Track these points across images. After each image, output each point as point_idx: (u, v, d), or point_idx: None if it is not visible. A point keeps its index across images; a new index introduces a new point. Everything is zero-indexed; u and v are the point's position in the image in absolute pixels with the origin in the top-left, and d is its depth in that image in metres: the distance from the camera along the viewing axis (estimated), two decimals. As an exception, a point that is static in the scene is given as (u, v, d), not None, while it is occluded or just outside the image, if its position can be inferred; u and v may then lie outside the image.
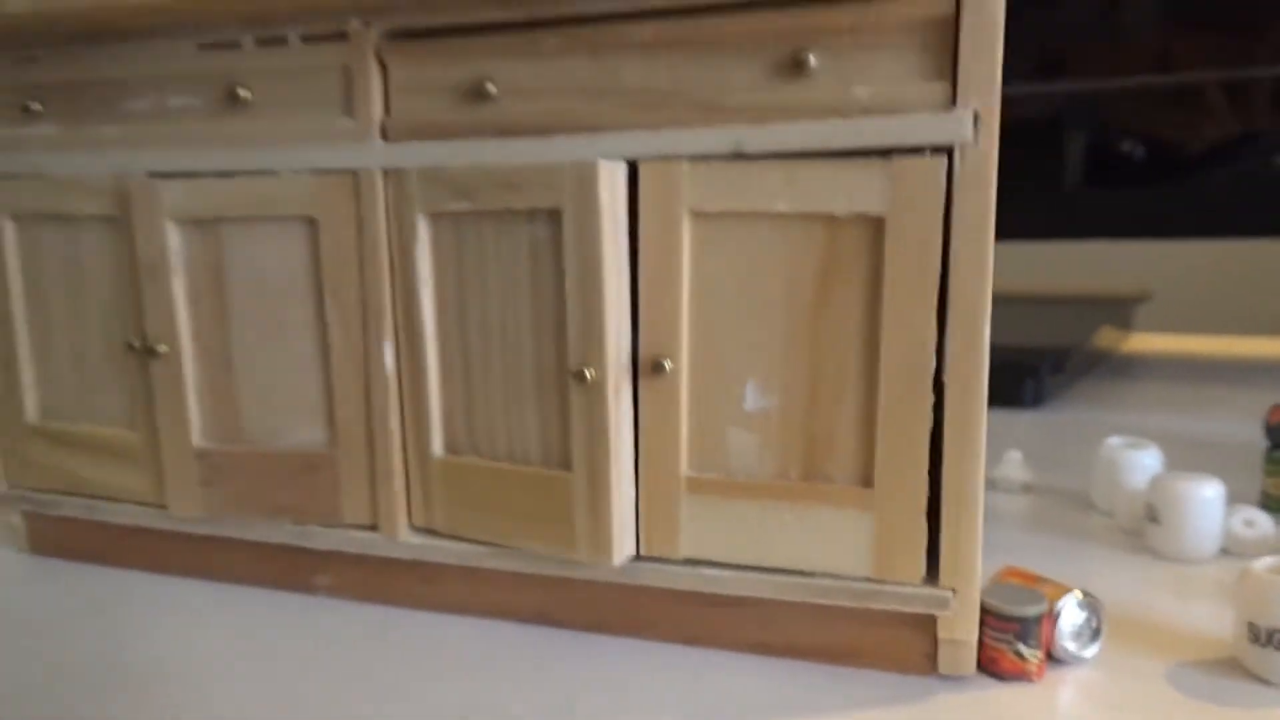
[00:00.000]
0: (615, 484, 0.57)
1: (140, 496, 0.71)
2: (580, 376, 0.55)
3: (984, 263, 0.51)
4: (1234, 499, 0.82)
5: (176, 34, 0.63)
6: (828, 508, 0.56)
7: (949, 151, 0.51)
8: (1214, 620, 0.64)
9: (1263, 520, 0.77)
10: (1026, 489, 0.94)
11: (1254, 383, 1.36)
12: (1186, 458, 0.98)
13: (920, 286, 0.52)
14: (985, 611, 0.57)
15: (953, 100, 0.50)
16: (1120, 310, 1.74)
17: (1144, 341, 1.79)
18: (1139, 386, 1.41)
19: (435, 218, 0.59)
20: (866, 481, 0.55)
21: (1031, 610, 0.56)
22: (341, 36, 0.60)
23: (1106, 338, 1.62)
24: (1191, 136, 1.49)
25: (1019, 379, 1.29)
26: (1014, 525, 0.85)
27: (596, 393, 0.56)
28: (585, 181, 0.53)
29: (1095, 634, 0.59)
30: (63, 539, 0.77)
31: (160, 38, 0.63)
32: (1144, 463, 0.85)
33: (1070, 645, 0.59)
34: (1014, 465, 0.94)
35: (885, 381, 0.54)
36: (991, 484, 0.95)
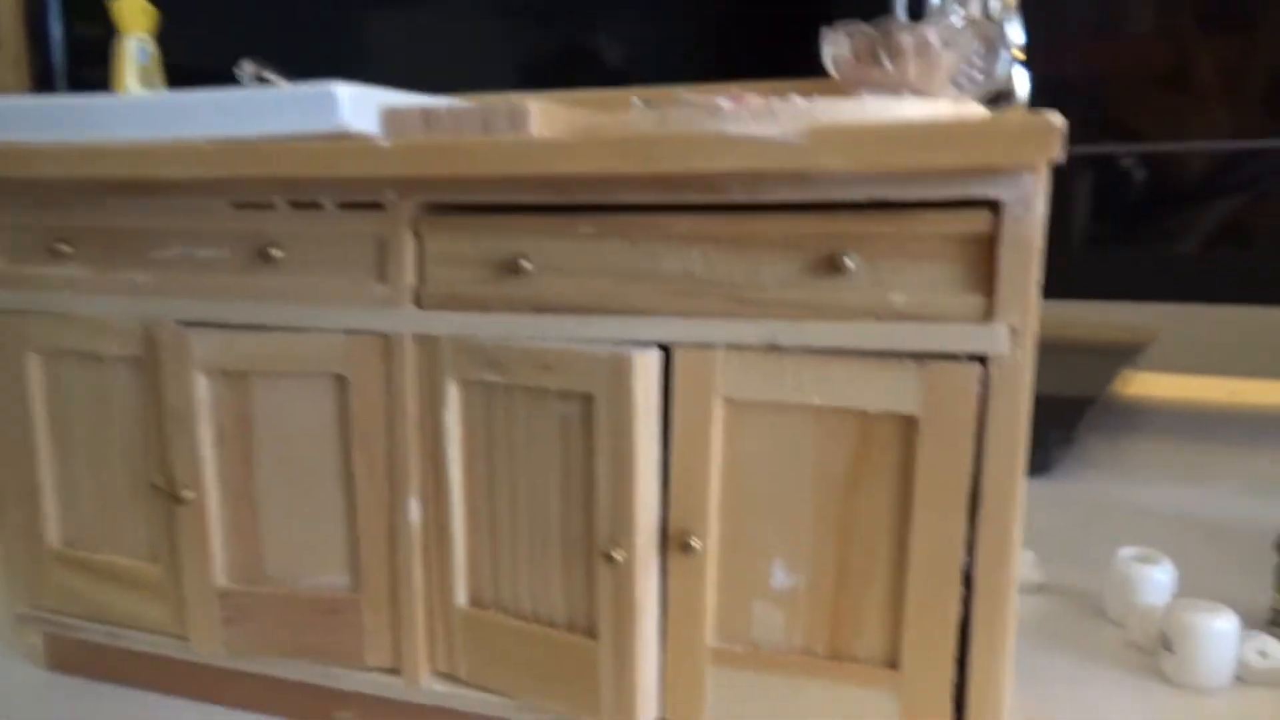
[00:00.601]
0: (640, 655, 0.58)
1: (162, 628, 0.71)
2: (609, 558, 0.56)
3: (1015, 466, 0.52)
4: (1245, 612, 0.83)
5: (211, 192, 0.62)
6: (852, 686, 0.57)
7: (984, 359, 0.51)
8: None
9: (1275, 650, 0.78)
10: (1039, 589, 0.95)
11: (1264, 442, 1.36)
12: (1200, 560, 0.98)
13: (951, 484, 0.53)
14: (1006, 786, 0.58)
15: (988, 314, 0.51)
16: (1127, 357, 1.75)
17: (1151, 384, 1.79)
18: (1148, 446, 1.41)
19: (466, 384, 0.60)
20: (893, 664, 0.56)
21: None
22: (377, 206, 0.60)
23: (1116, 388, 1.62)
24: (1206, 202, 1.48)
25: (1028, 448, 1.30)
26: (1027, 635, 0.86)
27: (624, 573, 0.57)
28: (620, 373, 0.54)
29: (1113, 802, 0.60)
30: (82, 659, 0.77)
31: (194, 194, 0.63)
32: (1157, 579, 0.86)
33: (1088, 816, 0.60)
34: (1027, 566, 0.95)
35: (913, 570, 0.54)
36: (1003, 581, 0.96)
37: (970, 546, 0.54)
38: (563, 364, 0.55)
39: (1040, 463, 1.31)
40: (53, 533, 0.74)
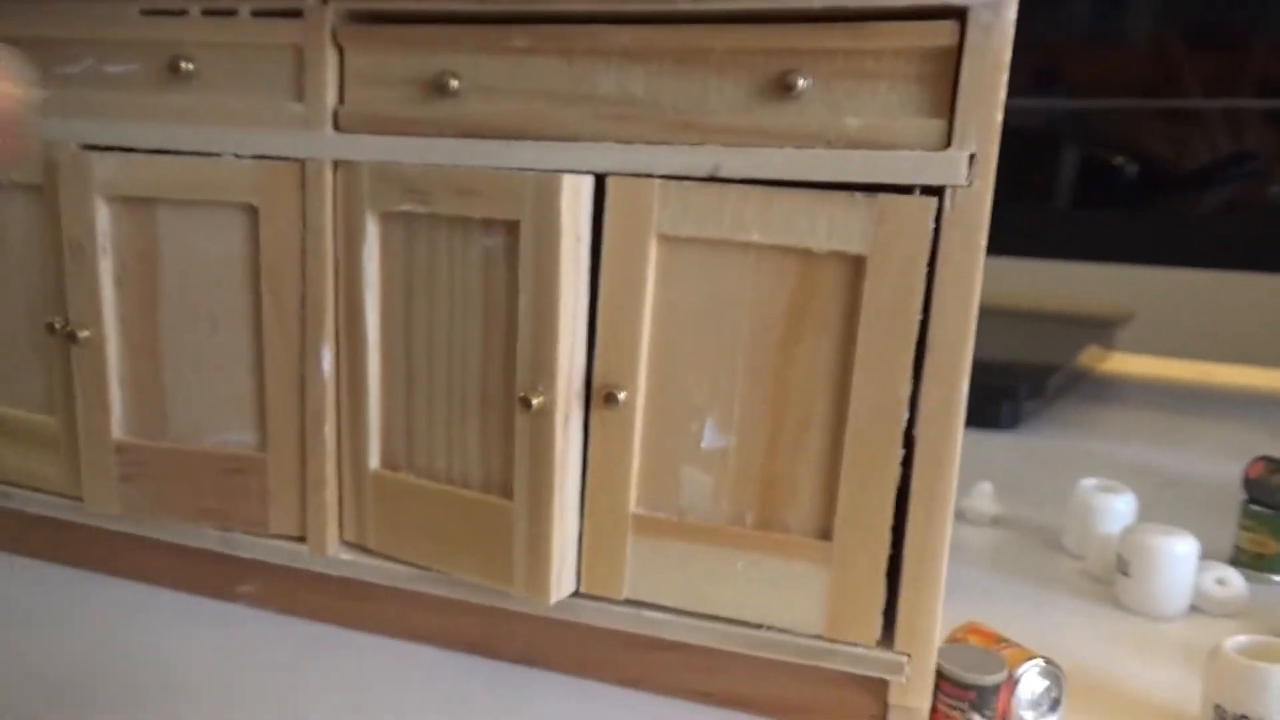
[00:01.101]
0: (558, 518, 0.54)
1: (56, 487, 0.66)
2: (526, 403, 0.52)
3: (968, 315, 0.48)
4: (1207, 551, 0.79)
5: (118, -5, 0.58)
6: (782, 559, 0.53)
7: (939, 193, 0.47)
8: (1179, 688, 0.62)
9: (1235, 579, 0.74)
10: (995, 522, 0.91)
11: (1234, 416, 1.34)
12: (1161, 501, 0.95)
13: (897, 334, 0.48)
14: (941, 677, 0.54)
15: (948, 140, 0.46)
16: (1102, 330, 1.72)
17: (1125, 363, 1.76)
18: (1118, 413, 1.38)
19: (386, 218, 0.55)
20: (825, 534, 0.52)
21: (990, 679, 0.53)
22: (296, 14, 0.55)
23: (1089, 358, 1.59)
24: (1190, 162, 1.46)
25: (997, 401, 1.26)
26: (980, 563, 0.82)
27: (544, 420, 0.52)
28: (546, 194, 0.49)
29: (1054, 704, 0.57)
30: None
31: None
32: (1118, 508, 0.82)
33: (1028, 715, 0.56)
34: (984, 497, 0.91)
35: (852, 430, 0.50)
36: (960, 515, 0.92)
37: (914, 404, 0.50)
38: (487, 189, 0.51)
39: (1010, 418, 1.28)
40: (-56, 382, 0.69)
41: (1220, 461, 1.12)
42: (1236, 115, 1.37)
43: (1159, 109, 1.42)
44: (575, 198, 0.50)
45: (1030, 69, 1.42)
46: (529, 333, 0.51)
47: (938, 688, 0.54)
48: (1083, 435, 1.24)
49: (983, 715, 0.53)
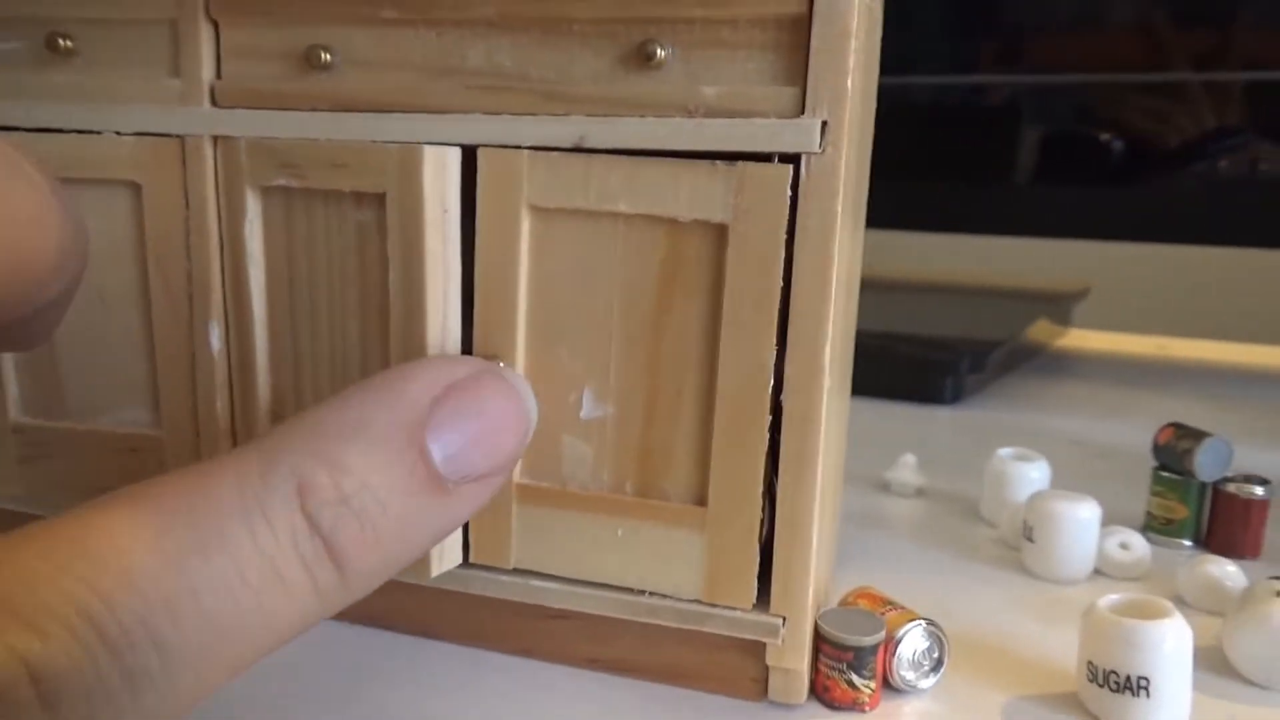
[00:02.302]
0: (442, 488, 0.54)
1: (-41, 469, 0.67)
2: (403, 375, 0.52)
3: (825, 281, 0.48)
4: (1122, 518, 0.81)
5: (-5, -29, 0.58)
6: (660, 525, 0.53)
7: (796, 161, 0.47)
8: (1069, 650, 0.62)
9: (1138, 543, 0.75)
10: (920, 493, 0.92)
11: (1186, 389, 1.35)
12: (1081, 471, 0.96)
13: (760, 301, 0.49)
14: (821, 638, 0.55)
15: (800, 107, 0.47)
16: (1057, 305, 1.73)
17: (1081, 338, 1.77)
18: (1065, 386, 1.39)
19: (266, 193, 0.55)
20: (701, 500, 0.53)
21: (867, 640, 0.54)
22: (169, -11, 0.55)
23: (1040, 333, 1.60)
24: (1148, 137, 1.46)
25: (939, 375, 1.27)
26: (900, 533, 0.83)
27: (421, 393, 0.53)
28: (409, 165, 0.49)
29: (937, 664, 0.58)
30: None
31: (-22, -26, 0.58)
32: (1031, 476, 0.83)
33: (908, 675, 0.57)
34: (907, 469, 0.92)
35: (722, 398, 0.51)
36: (885, 486, 0.93)
37: (779, 371, 0.50)
38: (355, 161, 0.51)
39: (952, 392, 1.29)
40: None
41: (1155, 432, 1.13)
42: (1197, 89, 1.37)
43: (1117, 83, 1.43)
44: (441, 169, 0.50)
45: (976, 46, 1.43)
46: (400, 308, 0.51)
47: (818, 650, 0.55)
48: (1023, 408, 1.25)
49: (860, 675, 0.54)
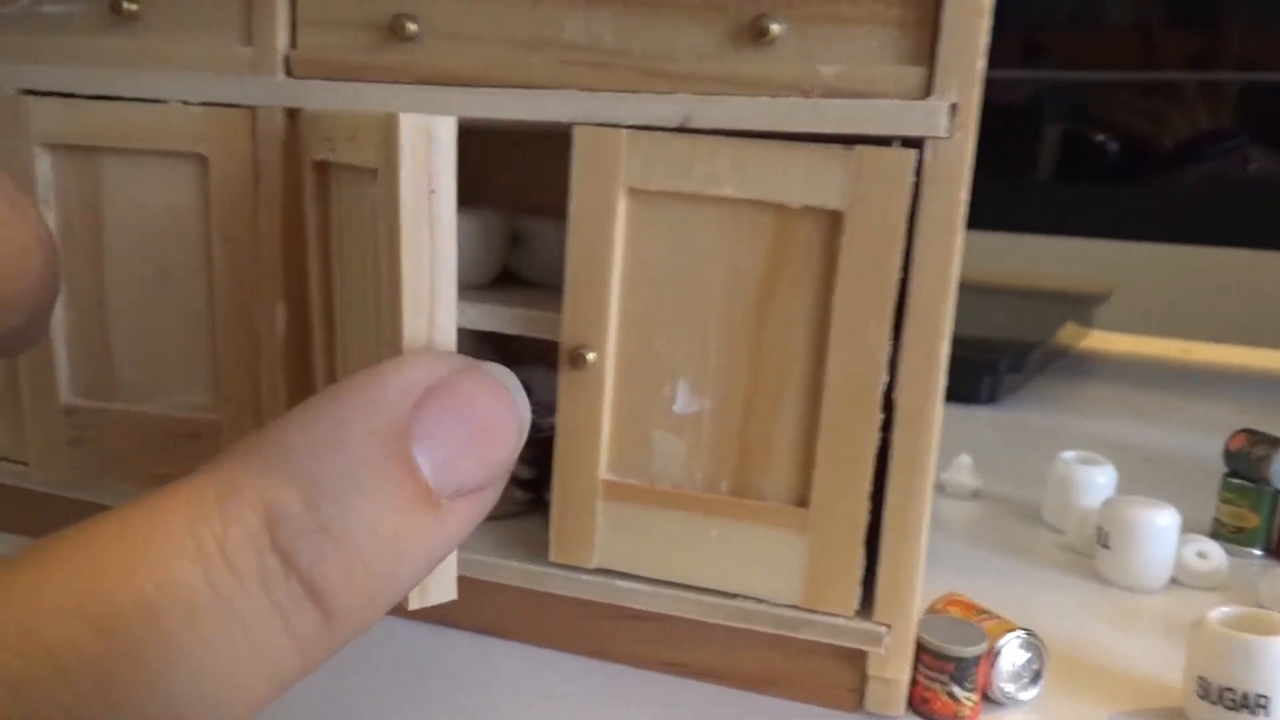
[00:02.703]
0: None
1: (2, 451, 0.64)
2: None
3: (948, 272, 0.46)
4: (1187, 525, 0.78)
5: (57, -68, 0.54)
6: (758, 526, 0.51)
7: (919, 145, 0.45)
8: (1160, 662, 0.60)
9: (1215, 552, 0.73)
10: (975, 495, 0.90)
11: (1213, 393, 1.33)
12: (1142, 475, 0.94)
13: (875, 293, 0.46)
14: (920, 648, 0.52)
15: (928, 89, 0.44)
16: (1081, 306, 1.71)
17: (1103, 340, 1.75)
18: (1098, 388, 1.38)
19: (317, 168, 0.51)
20: (802, 501, 0.50)
21: (970, 651, 0.52)
22: (243, -49, 0.52)
23: (1067, 334, 1.58)
24: (1173, 137, 1.44)
25: (977, 375, 1.25)
26: (960, 536, 0.81)
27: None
28: (388, 136, 0.42)
29: (1036, 676, 0.55)
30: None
31: (39, -65, 0.55)
32: (1098, 481, 0.81)
33: (1008, 688, 0.54)
34: (964, 470, 0.90)
35: (829, 393, 0.48)
36: (940, 488, 0.91)
37: (893, 365, 0.48)
38: (361, 132, 0.43)
39: (989, 393, 1.27)
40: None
41: (1199, 437, 1.11)
42: (1217, 90, 1.35)
43: (1139, 82, 1.41)
44: (424, 141, 0.42)
45: (1010, 42, 1.40)
46: (386, 302, 0.46)
47: (918, 659, 0.53)
48: (1062, 410, 1.23)
49: (963, 687, 0.52)
